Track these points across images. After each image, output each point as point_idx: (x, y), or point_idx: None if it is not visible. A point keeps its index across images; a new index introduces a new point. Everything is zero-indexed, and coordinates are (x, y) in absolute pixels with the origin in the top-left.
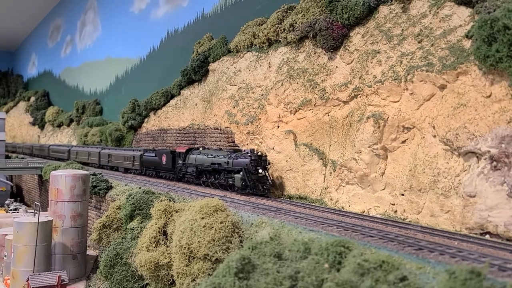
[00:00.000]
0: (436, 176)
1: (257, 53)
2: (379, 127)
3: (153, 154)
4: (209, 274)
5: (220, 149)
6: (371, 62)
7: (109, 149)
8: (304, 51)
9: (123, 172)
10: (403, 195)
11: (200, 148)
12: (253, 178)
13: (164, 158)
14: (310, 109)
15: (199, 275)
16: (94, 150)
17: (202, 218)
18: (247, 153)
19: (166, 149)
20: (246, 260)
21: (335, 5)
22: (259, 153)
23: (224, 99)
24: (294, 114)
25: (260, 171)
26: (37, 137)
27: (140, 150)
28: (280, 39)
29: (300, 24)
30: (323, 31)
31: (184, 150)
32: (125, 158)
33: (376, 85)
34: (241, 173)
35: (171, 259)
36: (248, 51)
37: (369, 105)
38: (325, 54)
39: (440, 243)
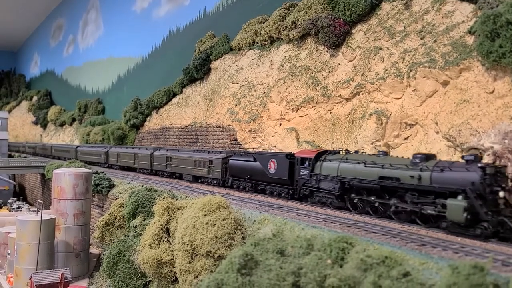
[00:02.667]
0: None
1: (259, 51)
2: (381, 124)
3: (251, 159)
4: (211, 271)
5: (385, 153)
6: (374, 59)
7: (167, 150)
8: (306, 48)
9: (190, 181)
10: None
11: (343, 152)
12: (490, 208)
13: (272, 165)
14: (312, 107)
15: (202, 272)
16: (144, 152)
17: (205, 215)
18: (471, 160)
19: (276, 153)
20: (249, 256)
21: (337, 2)
22: (493, 163)
23: (226, 97)
24: (296, 112)
25: (502, 194)
26: (39, 136)
27: (220, 152)
28: (282, 37)
29: (302, 21)
30: (325, 28)
31: (312, 155)
32: (197, 162)
33: (379, 82)
34: (460, 197)
35: (173, 256)
36: (250, 49)
37: (372, 102)
38: (327, 51)
39: (443, 239)
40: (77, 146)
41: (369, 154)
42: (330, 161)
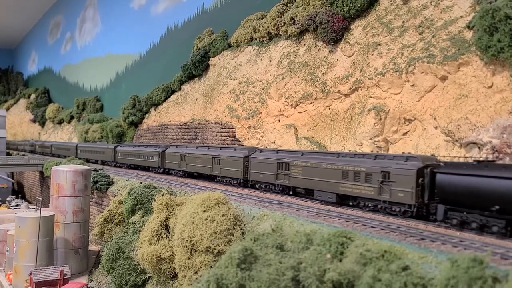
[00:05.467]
0: None
1: (258, 47)
2: (380, 119)
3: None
4: (211, 267)
5: None
6: (372, 55)
7: (288, 153)
8: (304, 44)
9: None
10: None
11: None
12: None
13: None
14: (311, 103)
15: (201, 267)
16: (236, 156)
17: (204, 211)
18: None
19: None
20: (249, 251)
21: None
22: None
23: (224, 93)
24: (295, 108)
25: None
26: (37, 134)
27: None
28: (280, 33)
29: (301, 17)
30: (324, 24)
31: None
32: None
33: (377, 78)
34: None
35: (173, 252)
36: (248, 45)
37: (370, 97)
38: (325, 47)
39: (442, 233)
40: (116, 146)
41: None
42: None
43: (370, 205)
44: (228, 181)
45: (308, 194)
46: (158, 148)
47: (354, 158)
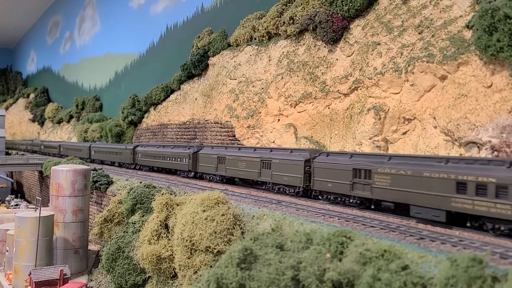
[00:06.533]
0: None
1: (257, 47)
2: (379, 118)
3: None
4: (211, 266)
5: None
6: (372, 54)
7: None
8: (304, 44)
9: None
10: None
11: None
12: None
13: None
14: (310, 102)
15: (201, 267)
16: (294, 160)
17: (204, 210)
18: None
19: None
20: (248, 250)
21: None
22: None
23: (224, 93)
24: (294, 107)
25: None
26: (37, 133)
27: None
28: (280, 32)
29: (300, 17)
30: (323, 23)
31: None
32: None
33: (377, 77)
34: None
35: (173, 252)
36: (248, 45)
37: (370, 97)
38: (325, 46)
39: (441, 233)
40: (135, 146)
41: None
42: None
43: (504, 228)
44: (282, 189)
45: (400, 209)
46: (189, 149)
47: (473, 164)
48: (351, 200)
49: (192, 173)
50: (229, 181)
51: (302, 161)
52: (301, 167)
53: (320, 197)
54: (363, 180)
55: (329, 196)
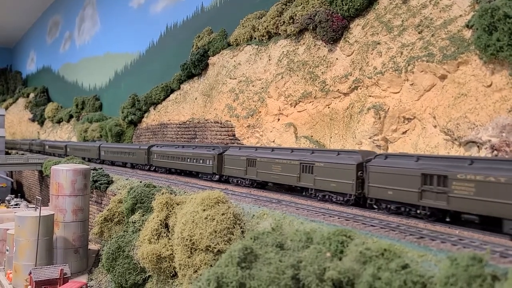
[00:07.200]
0: None
1: (257, 46)
2: (379, 118)
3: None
4: (211, 266)
5: None
6: (372, 54)
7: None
8: (304, 43)
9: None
10: None
11: None
12: None
13: None
14: (310, 102)
15: (201, 266)
16: (344, 163)
17: (204, 210)
18: None
19: None
20: (249, 250)
21: None
22: None
23: (224, 92)
24: (294, 107)
25: None
26: (36, 133)
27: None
28: (279, 32)
29: (300, 16)
30: (323, 23)
31: None
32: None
33: (377, 76)
34: None
35: (173, 251)
36: (247, 44)
37: (370, 96)
38: (325, 46)
39: (441, 232)
40: (150, 146)
41: None
42: None
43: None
44: (328, 197)
45: (488, 223)
46: (213, 149)
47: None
48: (418, 211)
49: (217, 176)
50: (261, 186)
51: (353, 165)
52: (352, 172)
53: (375, 206)
54: (436, 187)
55: (388, 206)
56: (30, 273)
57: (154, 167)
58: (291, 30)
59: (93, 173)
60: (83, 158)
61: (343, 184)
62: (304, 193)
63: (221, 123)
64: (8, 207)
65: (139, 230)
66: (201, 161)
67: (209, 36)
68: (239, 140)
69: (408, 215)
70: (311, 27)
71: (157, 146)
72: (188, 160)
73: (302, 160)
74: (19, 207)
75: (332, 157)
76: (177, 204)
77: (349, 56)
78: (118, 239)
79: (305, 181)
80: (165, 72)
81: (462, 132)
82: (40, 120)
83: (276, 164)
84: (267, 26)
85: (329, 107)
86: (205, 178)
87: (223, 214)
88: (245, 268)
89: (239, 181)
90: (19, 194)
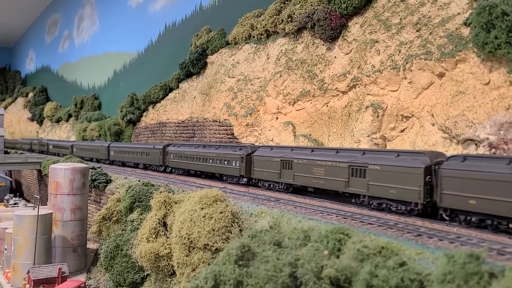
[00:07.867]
0: None
1: (255, 45)
2: (378, 116)
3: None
4: (209, 264)
5: None
6: (370, 52)
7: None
8: (302, 42)
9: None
10: None
11: None
12: None
13: None
14: (309, 100)
15: (199, 264)
16: (407, 166)
17: (202, 208)
18: None
19: None
20: (246, 248)
21: None
22: None
23: (222, 91)
24: (293, 105)
25: None
26: (36, 132)
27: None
28: (278, 30)
29: (298, 14)
30: (322, 21)
31: None
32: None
33: (375, 75)
34: None
35: (171, 250)
36: (246, 43)
37: (368, 94)
38: (323, 44)
39: (439, 230)
40: (166, 145)
41: None
42: None
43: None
44: (385, 205)
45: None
46: (240, 150)
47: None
48: (511, 225)
49: (245, 179)
50: (298, 190)
51: (421, 169)
52: (419, 177)
53: (447, 217)
54: None
55: (469, 217)
56: (29, 272)
57: (170, 168)
58: (289, 28)
59: (91, 172)
60: (91, 159)
61: (406, 191)
62: (354, 200)
63: (219, 122)
64: (6, 206)
65: (137, 228)
66: (226, 162)
67: (208, 35)
68: (237, 138)
69: (496, 229)
70: (310, 25)
71: (173, 146)
72: (211, 161)
73: (352, 162)
74: (17, 206)
75: (391, 158)
76: (175, 203)
77: (347, 54)
78: (116, 237)
79: (355, 187)
80: (164, 71)
81: (460, 130)
82: (39, 119)
83: (318, 166)
84: (266, 25)
85: (327, 106)
86: (230, 181)
87: (221, 213)
88: (242, 266)
89: (272, 185)
90: (18, 193)
